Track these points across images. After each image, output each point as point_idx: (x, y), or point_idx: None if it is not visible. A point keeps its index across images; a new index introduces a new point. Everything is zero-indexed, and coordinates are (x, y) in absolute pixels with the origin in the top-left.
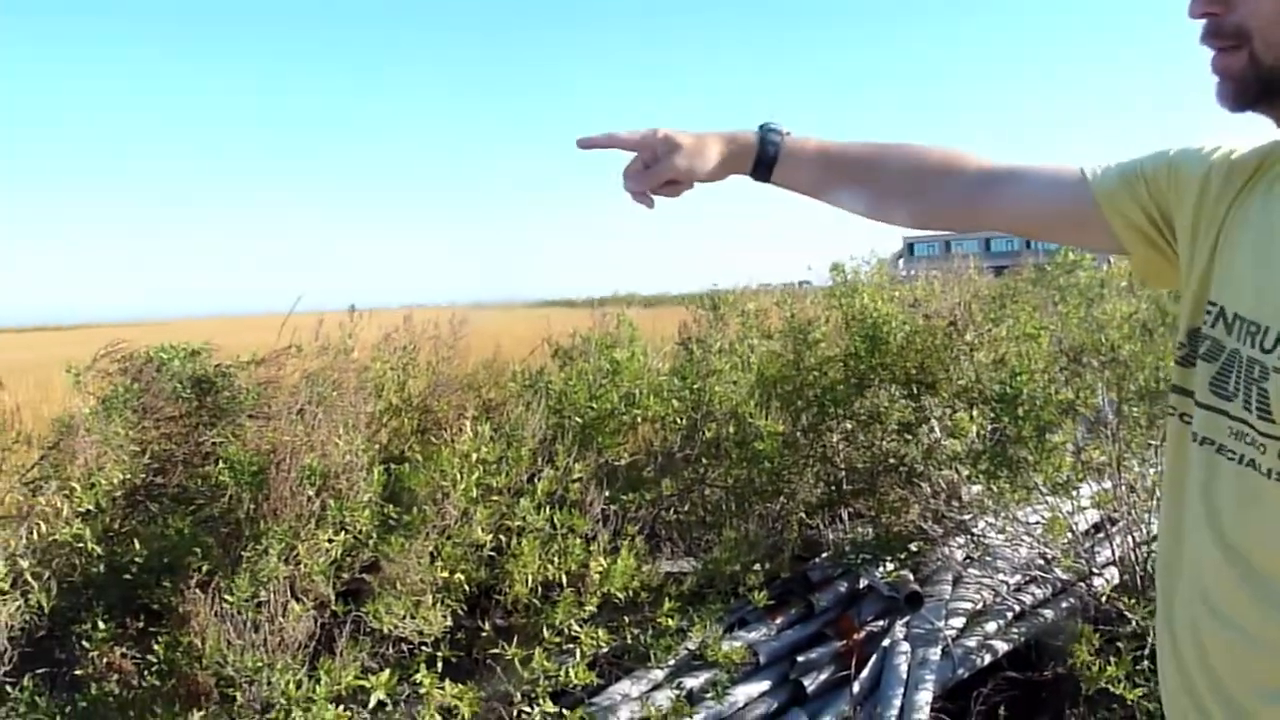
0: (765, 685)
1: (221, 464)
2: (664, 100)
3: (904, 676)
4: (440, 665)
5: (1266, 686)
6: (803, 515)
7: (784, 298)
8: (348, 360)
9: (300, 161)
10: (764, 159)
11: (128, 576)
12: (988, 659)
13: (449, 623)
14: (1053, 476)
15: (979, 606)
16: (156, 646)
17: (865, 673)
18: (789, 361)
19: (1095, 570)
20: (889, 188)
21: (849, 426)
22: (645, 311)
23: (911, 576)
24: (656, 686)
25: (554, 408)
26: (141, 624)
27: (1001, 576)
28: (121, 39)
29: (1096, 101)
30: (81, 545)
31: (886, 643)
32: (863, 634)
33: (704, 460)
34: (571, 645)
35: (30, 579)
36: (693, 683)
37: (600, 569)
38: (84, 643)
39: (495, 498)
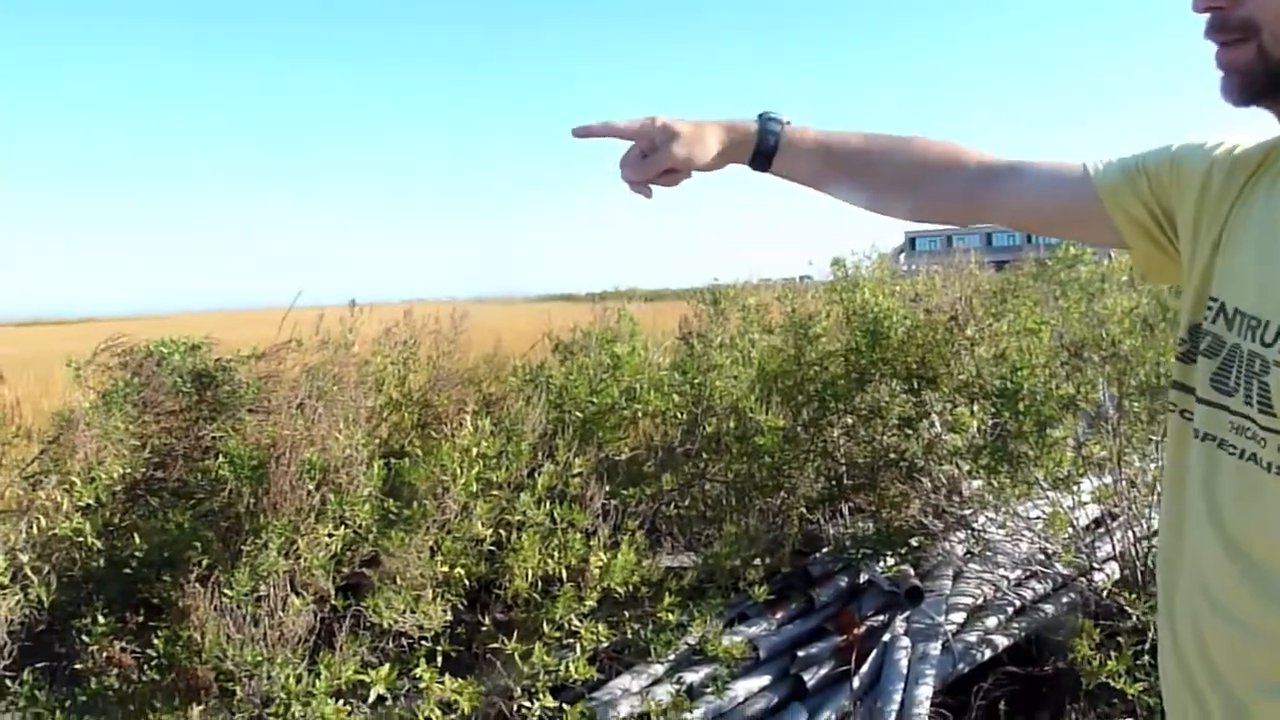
0: (765, 680)
1: (221, 458)
2: (663, 93)
3: (904, 671)
4: (440, 660)
5: (1267, 680)
6: (803, 510)
7: (785, 292)
8: (348, 355)
9: (300, 157)
10: (763, 149)
11: (128, 571)
12: (988, 654)
13: (449, 617)
14: (1053, 471)
15: (979, 601)
16: (156, 641)
17: (865, 668)
18: (790, 356)
19: (1096, 565)
20: (889, 181)
21: (850, 421)
22: (646, 306)
23: (912, 571)
24: (656, 681)
25: (554, 402)
26: (141, 618)
27: (1002, 571)
28: (122, 37)
29: (1095, 100)
30: (81, 539)
31: (887, 638)
32: (863, 629)
33: (704, 455)
34: (571, 640)
35: (30, 573)
36: (693, 677)
37: (600, 564)
38: (84, 637)
39: (495, 492)
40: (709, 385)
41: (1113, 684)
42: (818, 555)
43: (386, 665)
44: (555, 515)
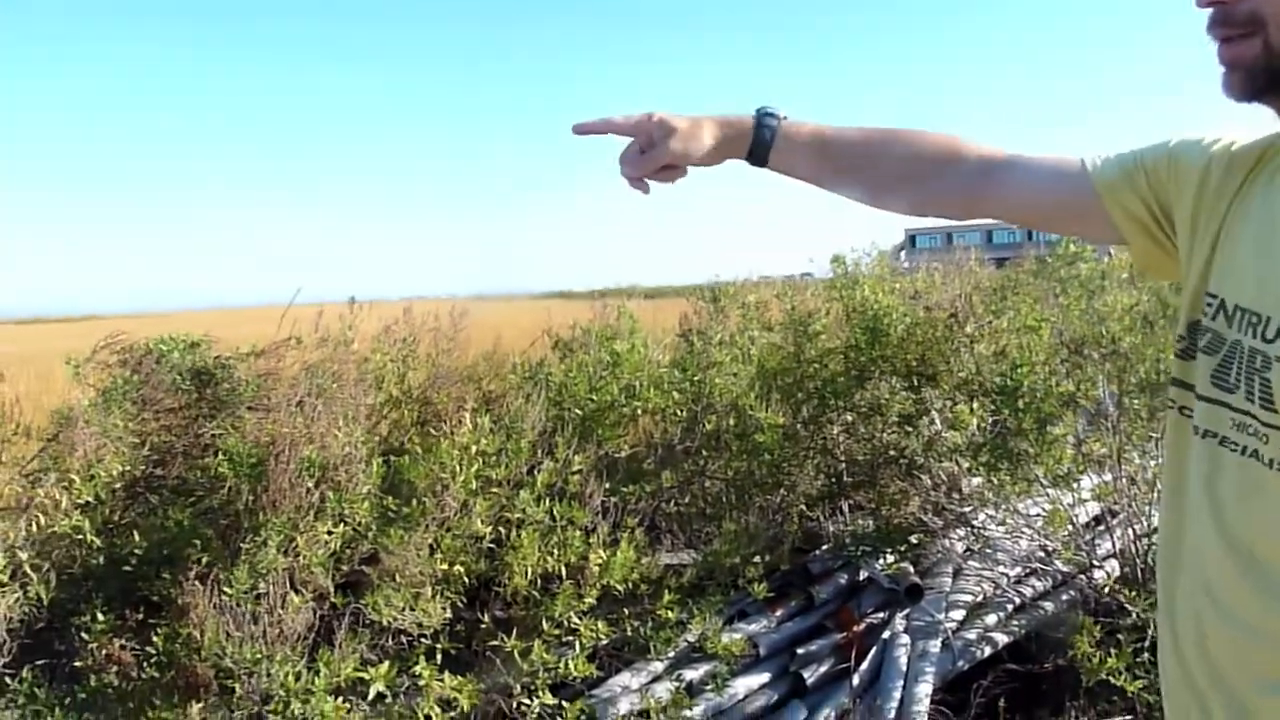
0: (765, 677)
1: (221, 456)
2: (663, 92)
3: (904, 669)
4: (439, 657)
5: (1267, 678)
6: (803, 507)
7: (784, 290)
8: (347, 352)
9: (300, 156)
10: (760, 143)
11: (127, 568)
12: (988, 651)
13: (448, 615)
14: (1053, 469)
15: (979, 599)
16: (156, 638)
17: (865, 665)
18: (789, 354)
19: (1096, 563)
20: (887, 175)
21: (849, 419)
22: (646, 303)
23: (912, 569)
24: (656, 678)
25: (554, 400)
26: (141, 616)
27: (1002, 569)
28: (123, 35)
29: (1095, 100)
30: (81, 537)
31: (886, 635)
32: (863, 626)
33: (704, 452)
34: (571, 637)
35: (29, 571)
36: (692, 675)
37: (600, 561)
38: (83, 634)
39: (495, 490)
40: (709, 382)
41: (1112, 681)
42: (817, 553)
43: (386, 663)
44: (555, 513)
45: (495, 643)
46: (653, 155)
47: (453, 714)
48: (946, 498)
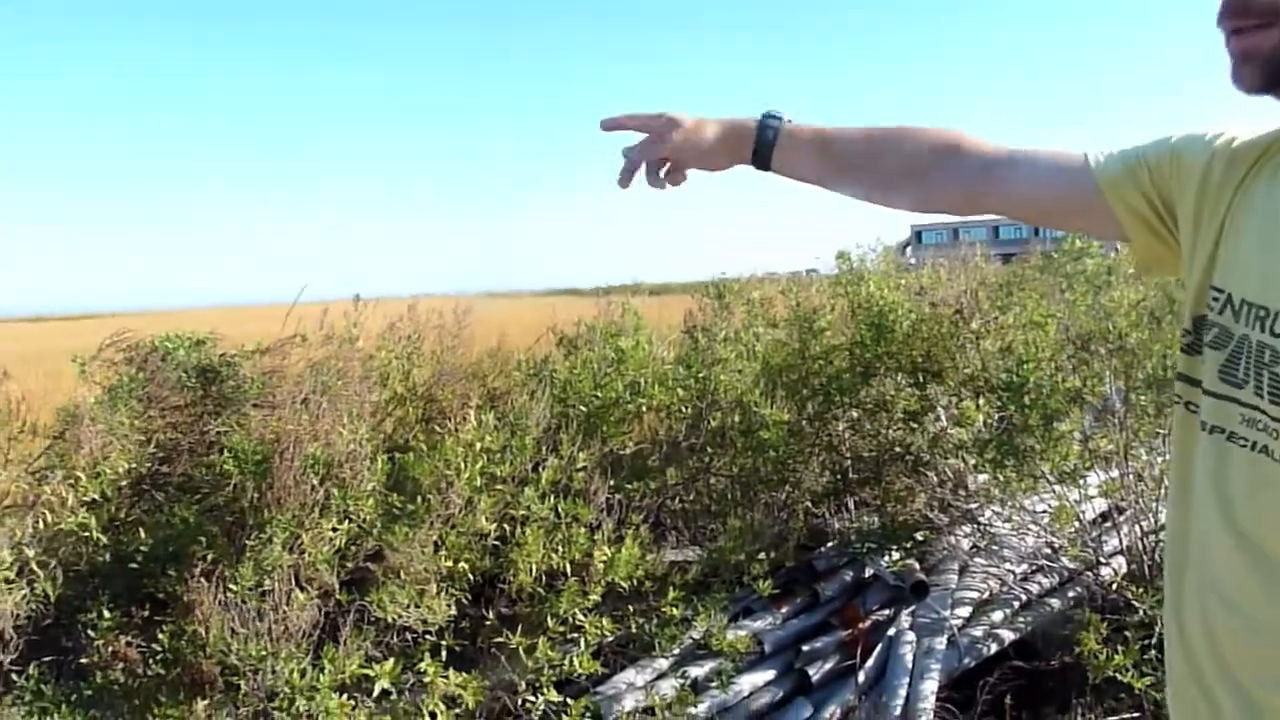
0: (770, 674)
1: (226, 453)
2: (663, 92)
3: (909, 666)
4: (444, 654)
5: (1276, 674)
6: (808, 504)
7: (789, 286)
8: (352, 349)
9: (302, 156)
10: (763, 142)
11: (133, 565)
12: (994, 648)
13: (453, 612)
14: (1060, 465)
15: (985, 596)
16: (161, 635)
17: (870, 662)
18: (794, 350)
19: (1102, 559)
20: (889, 172)
21: (855, 415)
22: (651, 300)
23: (917, 565)
24: (661, 675)
25: (559, 396)
26: (147, 613)
27: (1008, 565)
28: (124, 35)
29: (1095, 100)
30: (87, 534)
31: (892, 632)
32: (868, 623)
33: (709, 449)
34: (576, 634)
35: (36, 568)
36: (697, 672)
37: (604, 558)
38: (89, 631)
39: (499, 487)
40: (713, 379)
41: (1119, 678)
42: (823, 550)
43: (391, 660)
44: (559, 510)
45: (500, 640)
46: (655, 143)
47: (457, 711)
48: (952, 494)
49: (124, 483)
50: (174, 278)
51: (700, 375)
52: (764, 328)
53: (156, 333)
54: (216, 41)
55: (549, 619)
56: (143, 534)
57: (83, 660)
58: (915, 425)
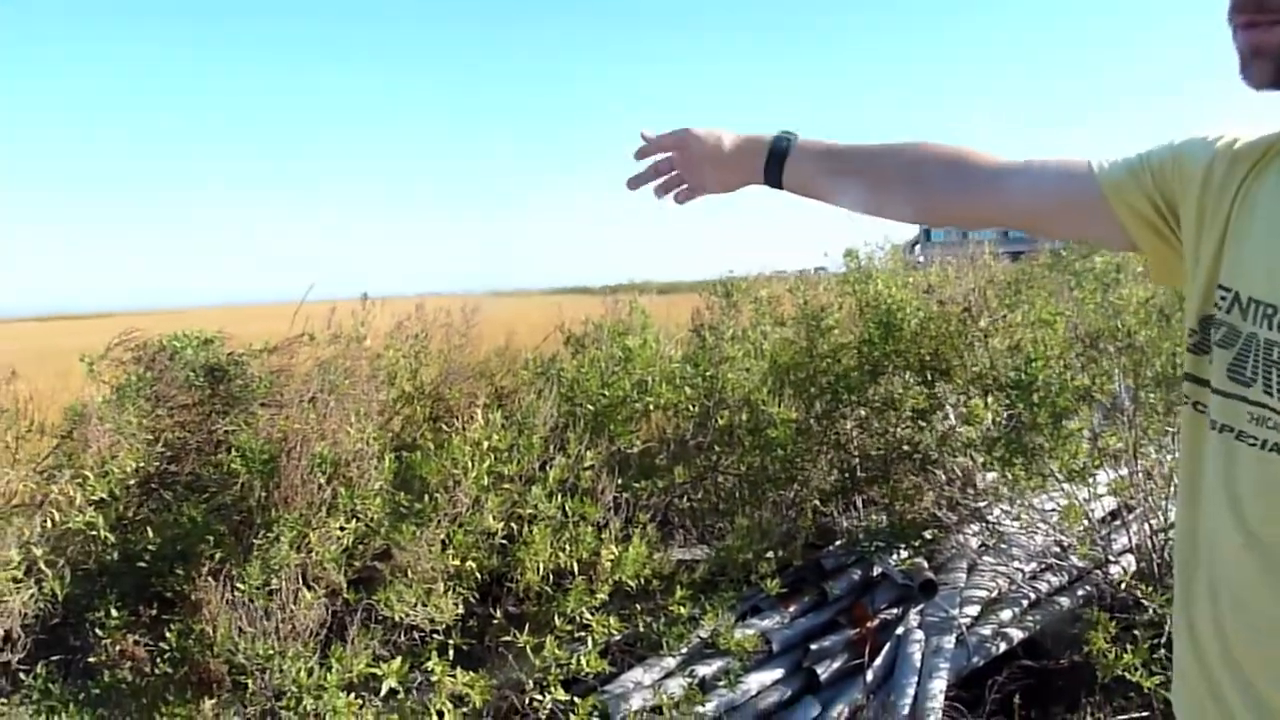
0: (778, 673)
1: (233, 452)
2: (664, 92)
3: (918, 665)
4: (452, 653)
5: None
6: (816, 503)
7: (797, 284)
8: (360, 348)
9: (304, 156)
10: (776, 151)
11: (141, 564)
12: (1003, 647)
13: (460, 611)
14: (1069, 463)
15: (994, 594)
16: (169, 634)
17: (879, 661)
18: (802, 348)
19: (1111, 558)
20: (896, 179)
21: (863, 413)
22: (660, 299)
23: (926, 564)
24: (669, 674)
25: (566, 395)
26: (154, 612)
27: (1017, 564)
28: (126, 34)
29: (1095, 100)
30: (95, 533)
31: (900, 631)
32: (876, 622)
33: (717, 448)
34: (583, 633)
35: (44, 567)
36: (705, 670)
37: (612, 557)
38: (97, 630)
39: (507, 485)
40: (721, 378)
41: (1129, 677)
42: (831, 548)
43: (398, 659)
44: (566, 508)
45: (507, 638)
46: (674, 154)
47: (465, 710)
48: (961, 493)
49: (132, 482)
50: (174, 278)
51: (708, 374)
52: (772, 326)
53: (165, 332)
54: (216, 41)
55: (556, 618)
56: (150, 533)
57: (90, 659)
58: (923, 424)
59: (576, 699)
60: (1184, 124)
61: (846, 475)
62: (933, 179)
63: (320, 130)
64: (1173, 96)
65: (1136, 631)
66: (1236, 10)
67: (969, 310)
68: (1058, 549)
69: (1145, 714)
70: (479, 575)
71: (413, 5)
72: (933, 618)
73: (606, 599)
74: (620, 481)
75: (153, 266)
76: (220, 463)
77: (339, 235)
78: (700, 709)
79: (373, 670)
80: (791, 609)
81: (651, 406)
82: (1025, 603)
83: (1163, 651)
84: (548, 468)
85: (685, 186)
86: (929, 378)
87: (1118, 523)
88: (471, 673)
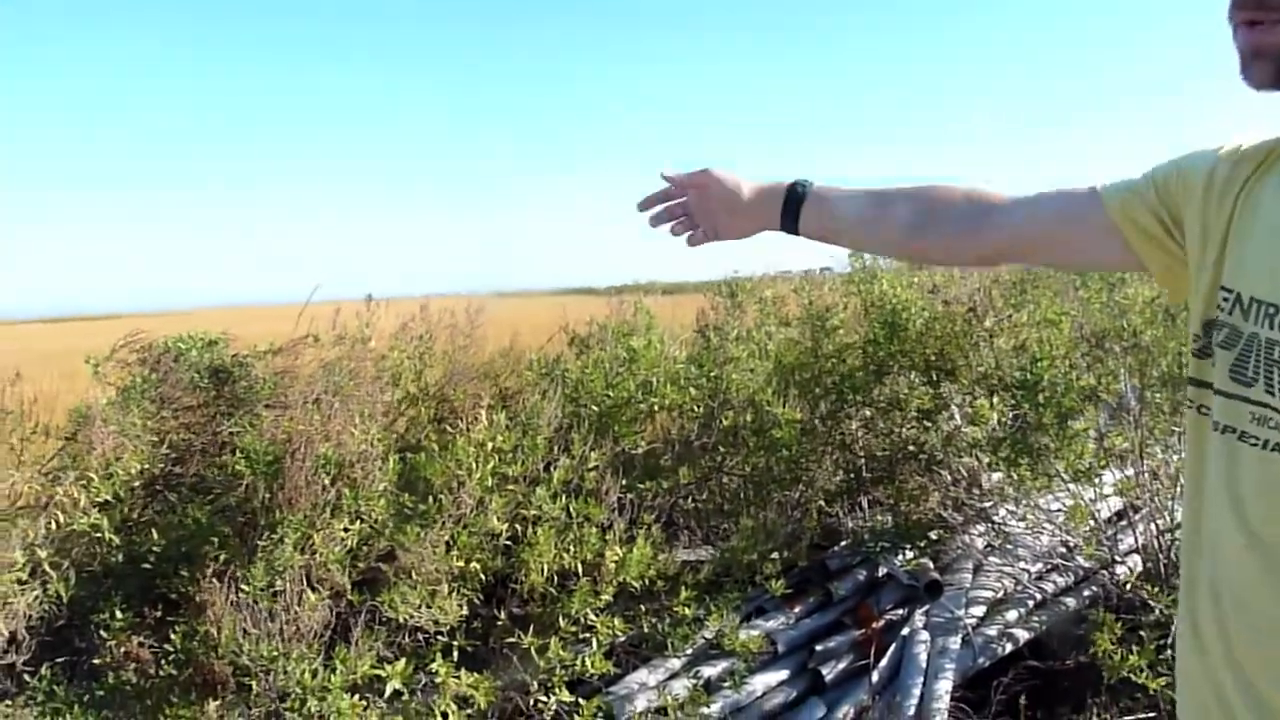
0: (783, 674)
1: (238, 454)
2: (664, 93)
3: (923, 665)
4: (456, 654)
5: None
6: (821, 503)
7: (802, 285)
8: (365, 349)
9: (301, 154)
10: (793, 196)
11: (145, 566)
12: (1008, 648)
13: (465, 612)
14: (1074, 464)
15: (1000, 595)
16: (174, 636)
17: (884, 661)
18: (807, 349)
19: (1118, 558)
20: (911, 222)
21: (868, 414)
22: (665, 299)
23: (931, 565)
24: (674, 675)
25: (570, 396)
26: (159, 613)
27: (1022, 564)
28: (132, 32)
29: (1095, 100)
30: (100, 535)
31: (906, 631)
32: (882, 622)
33: (721, 448)
34: (588, 634)
35: (49, 569)
36: (710, 671)
37: (616, 558)
38: (102, 632)
39: (511, 487)
40: (726, 378)
41: (1134, 679)
42: (836, 549)
43: (402, 660)
44: (571, 509)
45: (512, 640)
46: (689, 190)
47: (469, 711)
48: (966, 493)
49: (137, 483)
50: (177, 279)
51: (712, 374)
52: (776, 326)
53: (170, 333)
54: (217, 41)
55: (561, 619)
56: (155, 535)
57: (95, 661)
58: (929, 424)
59: (581, 700)
60: (1184, 124)
61: (851, 476)
62: (947, 218)
63: (320, 130)
64: (1173, 96)
65: (1142, 632)
66: (1237, 9)
67: (974, 310)
68: (1063, 549)
69: (1152, 715)
70: (483, 576)
71: (413, 5)
72: (938, 618)
73: (611, 600)
74: (625, 482)
75: (155, 267)
76: (225, 464)
77: (339, 235)
78: (705, 710)
79: (377, 672)
80: (796, 610)
81: (656, 407)
82: (1031, 603)
83: (1168, 652)
84: (552, 469)
85: (699, 230)
86: (934, 378)
87: (1124, 523)
88: (476, 674)
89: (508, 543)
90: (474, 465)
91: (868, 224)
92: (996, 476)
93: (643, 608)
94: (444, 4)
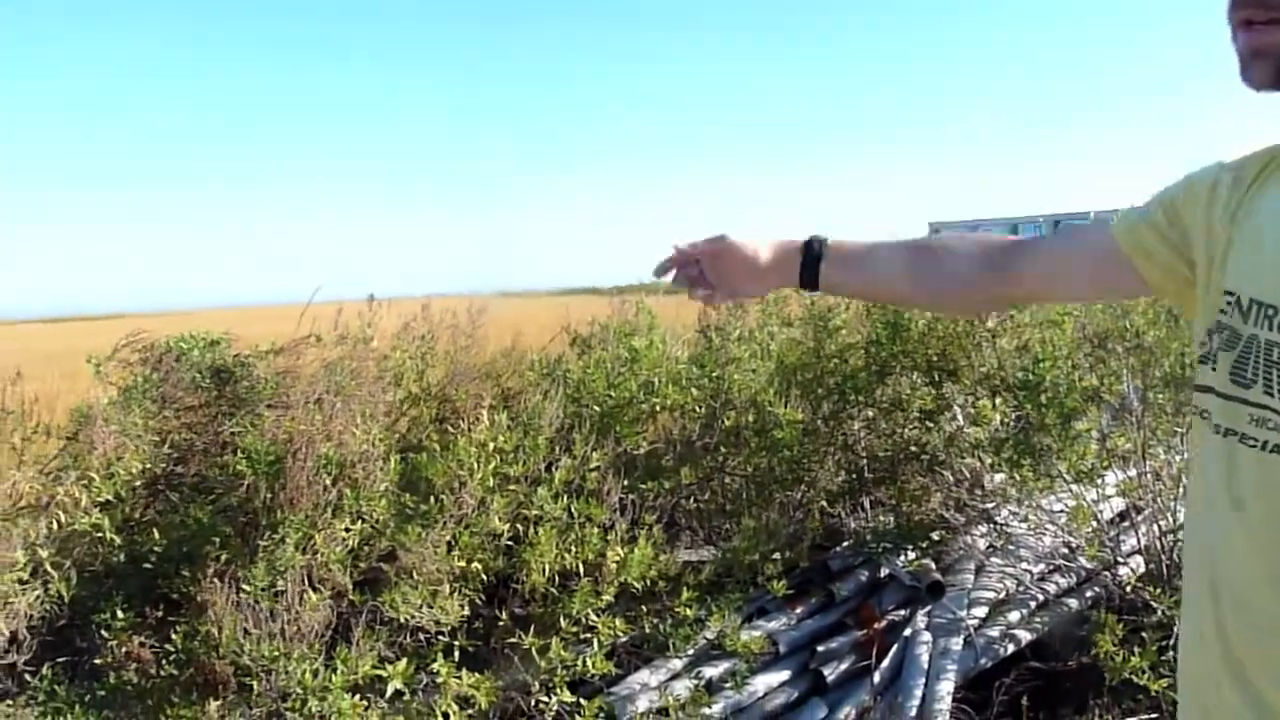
0: (785, 675)
1: (239, 453)
2: (664, 93)
3: (925, 666)
4: (457, 655)
5: None
6: (823, 504)
7: None
8: (366, 349)
9: (301, 154)
10: (811, 252)
11: (147, 566)
12: (1010, 648)
13: (466, 612)
14: (1077, 464)
15: (1002, 596)
16: (175, 636)
17: (886, 662)
18: (809, 349)
19: (1120, 559)
20: (928, 272)
21: (870, 414)
22: (669, 299)
23: (933, 565)
24: (675, 676)
25: (572, 396)
26: (160, 613)
27: (1025, 565)
28: (132, 32)
29: (1095, 100)
30: (101, 535)
31: (908, 632)
32: (884, 623)
33: (723, 449)
34: (589, 635)
35: (50, 569)
36: (712, 672)
37: (618, 558)
38: (103, 632)
39: (512, 487)
40: (728, 379)
41: (1136, 680)
42: (838, 549)
43: (403, 660)
44: (572, 510)
45: (513, 640)
46: (706, 253)
47: (470, 711)
48: (968, 494)
49: (138, 483)
50: (179, 279)
51: (714, 375)
52: (778, 326)
53: (172, 333)
54: (217, 42)
55: (562, 619)
56: (157, 534)
57: (96, 661)
58: (931, 424)
59: (582, 701)
60: (1184, 124)
61: (854, 476)
62: (963, 265)
63: (321, 130)
64: (1173, 96)
65: (1144, 634)
66: (1235, 9)
67: None
68: (1066, 550)
69: (1154, 716)
70: (484, 577)
71: (413, 5)
72: (940, 619)
73: (612, 600)
74: (626, 483)
75: (157, 268)
76: (226, 464)
77: (340, 236)
78: (707, 711)
79: (378, 672)
80: (798, 610)
81: (658, 407)
82: (1033, 604)
83: (1170, 654)
84: (553, 469)
85: (716, 291)
86: (936, 378)
87: (1126, 524)
88: (477, 674)
89: (509, 543)
90: (475, 465)
91: (888, 279)
92: (999, 477)
93: (644, 608)
94: (444, 4)
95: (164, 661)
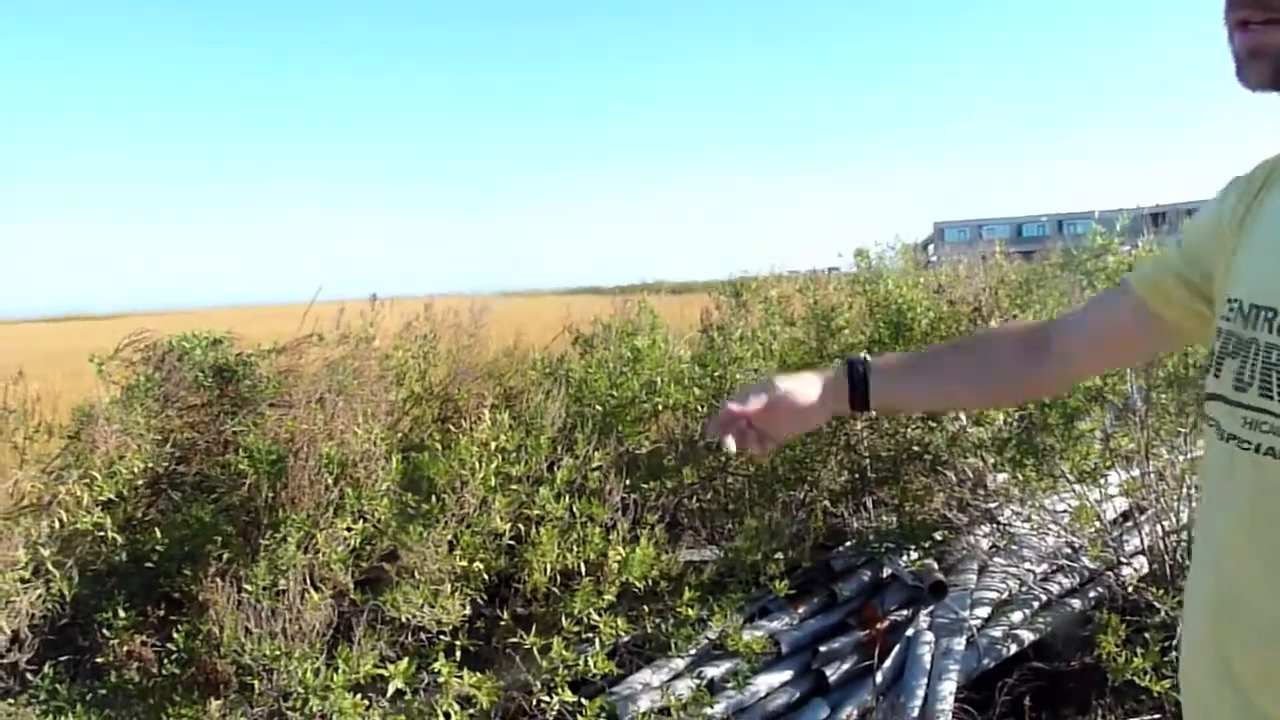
0: (787, 675)
1: (241, 452)
2: (664, 93)
3: (928, 666)
4: (459, 654)
5: None
6: (826, 503)
7: (807, 284)
8: (369, 349)
9: (307, 153)
10: (855, 375)
11: (149, 565)
12: (1013, 649)
13: (467, 611)
14: (1080, 464)
15: (1004, 596)
16: (176, 635)
17: (888, 662)
18: (812, 349)
19: (1123, 559)
20: (974, 376)
21: (873, 414)
22: (673, 299)
23: (936, 565)
24: (677, 676)
25: (574, 396)
26: (162, 612)
27: (1028, 565)
28: (132, 32)
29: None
30: (103, 534)
31: (910, 632)
32: (886, 623)
33: None
34: (591, 634)
35: (52, 567)
36: (714, 672)
37: (619, 558)
38: (105, 631)
39: (514, 486)
40: (730, 378)
41: (1139, 681)
42: (840, 549)
43: (405, 660)
44: (574, 509)
45: (515, 640)
46: (753, 405)
47: (472, 711)
48: (971, 494)
49: (140, 482)
50: (180, 278)
51: (717, 374)
52: (781, 326)
53: (175, 332)
54: (217, 41)
55: (564, 619)
56: (158, 533)
57: (98, 659)
58: (934, 424)
59: (584, 700)
60: (1184, 124)
61: (856, 476)
62: (1010, 361)
63: (321, 130)
64: (1173, 96)
65: (1147, 634)
66: (1232, 9)
67: (979, 310)
68: (1069, 550)
69: (1157, 717)
70: (486, 576)
71: (413, 5)
72: (943, 619)
73: (614, 600)
74: (628, 482)
75: (159, 267)
76: (228, 463)
77: (341, 235)
78: (708, 711)
79: (379, 671)
80: (800, 610)
81: (660, 407)
82: (1036, 604)
83: (1173, 655)
84: (555, 468)
85: (768, 441)
86: None
87: (1129, 524)
88: (478, 674)
89: (511, 542)
90: (478, 465)
91: (945, 391)
92: (1002, 477)
93: (646, 608)
94: (444, 4)
95: (165, 660)
